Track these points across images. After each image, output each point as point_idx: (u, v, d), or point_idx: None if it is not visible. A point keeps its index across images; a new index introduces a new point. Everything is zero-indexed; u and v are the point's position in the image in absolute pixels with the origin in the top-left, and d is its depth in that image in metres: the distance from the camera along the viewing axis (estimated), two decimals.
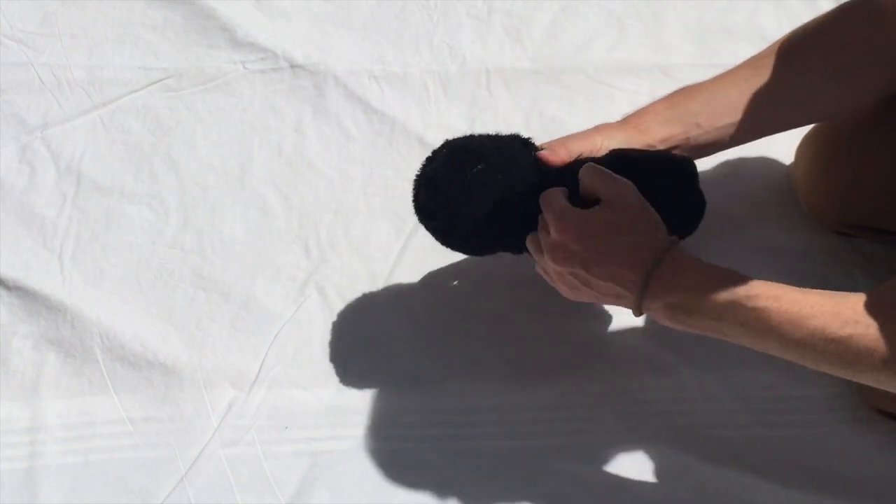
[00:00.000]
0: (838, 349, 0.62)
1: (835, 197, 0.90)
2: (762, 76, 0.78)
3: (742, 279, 0.66)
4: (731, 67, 0.81)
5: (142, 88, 1.05)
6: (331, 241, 0.96)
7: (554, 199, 0.72)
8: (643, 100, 1.02)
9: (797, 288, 0.65)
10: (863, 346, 0.60)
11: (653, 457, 0.84)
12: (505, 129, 0.81)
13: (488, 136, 0.79)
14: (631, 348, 0.89)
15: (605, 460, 0.84)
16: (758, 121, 0.80)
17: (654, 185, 0.74)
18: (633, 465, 0.83)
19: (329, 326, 0.91)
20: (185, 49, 1.08)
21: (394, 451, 0.85)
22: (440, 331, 0.90)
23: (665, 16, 1.11)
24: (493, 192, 0.76)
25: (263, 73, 1.06)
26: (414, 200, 0.80)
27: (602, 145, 0.78)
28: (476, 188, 0.76)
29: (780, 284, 0.65)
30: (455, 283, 0.94)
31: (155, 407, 0.87)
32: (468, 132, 0.81)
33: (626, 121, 0.82)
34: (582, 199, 0.73)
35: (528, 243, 0.77)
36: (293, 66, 1.07)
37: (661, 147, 0.80)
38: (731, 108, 0.79)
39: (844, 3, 0.77)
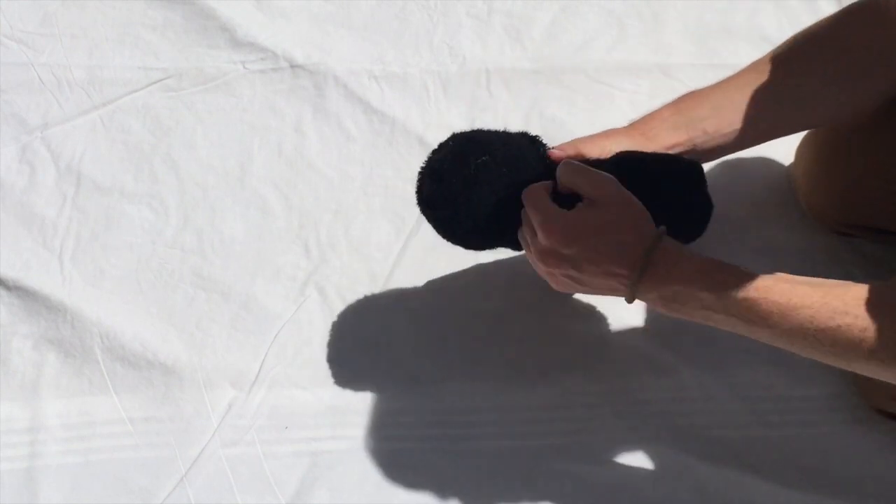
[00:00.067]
0: (827, 339, 0.63)
1: (835, 197, 0.90)
2: (767, 81, 0.78)
3: (733, 270, 0.67)
4: (733, 69, 0.81)
5: (142, 88, 1.05)
6: (331, 241, 0.96)
7: (538, 199, 0.72)
8: (643, 100, 1.03)
9: (788, 276, 0.66)
10: (852, 336, 0.62)
11: (653, 457, 0.84)
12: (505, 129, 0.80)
13: (496, 131, 0.79)
14: (631, 348, 0.89)
15: (605, 460, 0.84)
16: (763, 126, 0.80)
17: (662, 187, 0.73)
18: (633, 465, 0.83)
19: (329, 326, 0.91)
20: (185, 49, 1.08)
21: (394, 451, 0.85)
22: (440, 331, 0.90)
23: (665, 16, 1.11)
24: (497, 185, 0.75)
25: (263, 73, 1.06)
26: (417, 191, 0.79)
27: (610, 149, 0.78)
28: (480, 180, 0.75)
29: (771, 274, 0.66)
30: (455, 283, 0.94)
31: (155, 407, 0.87)
32: None
33: (633, 126, 0.82)
34: (566, 196, 0.72)
35: (520, 238, 0.77)
36: (293, 66, 1.07)
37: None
38: (737, 115, 0.79)
39: (849, 6, 0.77)
